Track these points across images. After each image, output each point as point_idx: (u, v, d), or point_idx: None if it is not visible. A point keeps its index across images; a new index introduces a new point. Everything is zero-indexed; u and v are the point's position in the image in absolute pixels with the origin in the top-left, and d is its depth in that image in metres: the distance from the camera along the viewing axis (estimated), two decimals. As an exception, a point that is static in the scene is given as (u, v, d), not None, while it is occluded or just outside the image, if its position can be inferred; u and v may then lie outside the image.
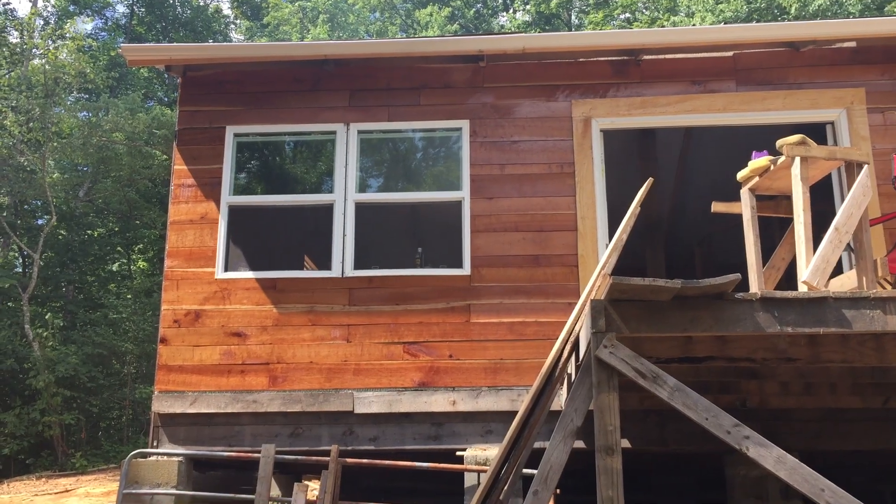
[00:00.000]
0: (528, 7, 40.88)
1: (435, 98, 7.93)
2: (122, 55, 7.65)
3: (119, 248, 23.47)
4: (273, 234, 8.27)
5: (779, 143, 4.87)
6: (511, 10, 42.51)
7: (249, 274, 7.62)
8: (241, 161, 7.99)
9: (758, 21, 22.91)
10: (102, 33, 36.11)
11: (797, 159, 4.76)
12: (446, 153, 8.03)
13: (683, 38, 7.85)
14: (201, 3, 42.52)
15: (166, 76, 26.21)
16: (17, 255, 23.19)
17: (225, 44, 10.35)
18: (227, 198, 7.77)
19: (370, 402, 7.23)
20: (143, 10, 40.27)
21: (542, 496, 3.96)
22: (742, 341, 4.58)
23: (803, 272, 4.52)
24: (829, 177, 7.23)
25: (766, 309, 3.96)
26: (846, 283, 5.00)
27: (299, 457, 6.95)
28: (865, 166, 4.75)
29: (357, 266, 7.60)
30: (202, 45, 8.89)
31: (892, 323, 3.93)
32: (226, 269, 7.64)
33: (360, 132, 7.89)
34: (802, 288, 4.49)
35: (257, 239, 7.97)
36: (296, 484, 6.81)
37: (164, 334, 7.54)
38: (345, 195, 7.71)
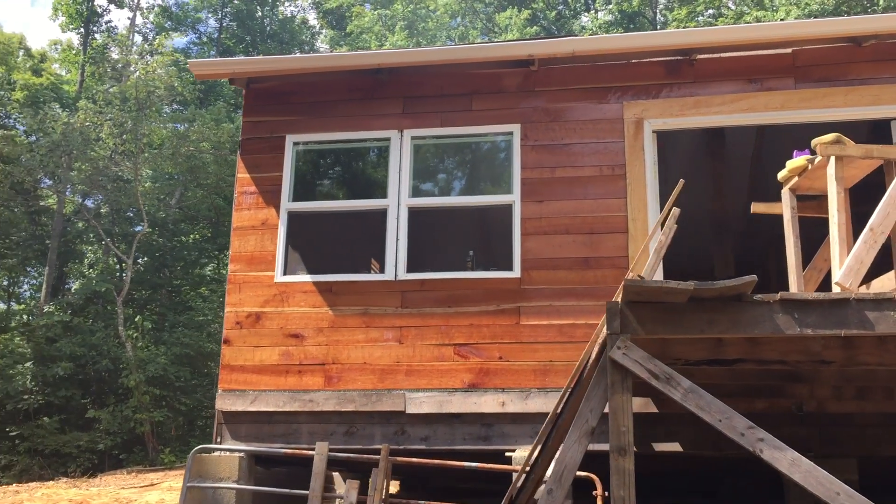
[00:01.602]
0: (610, 7, 40.47)
1: (486, 103, 8.02)
2: (190, 70, 7.99)
3: (215, 252, 24.33)
4: (330, 239, 8.51)
5: (814, 141, 4.78)
6: (593, 11, 42.16)
7: (307, 277, 7.87)
8: (299, 168, 8.25)
9: (846, 14, 22.15)
10: (196, 47, 37.52)
11: (832, 158, 4.67)
12: (498, 157, 8.11)
13: (739, 35, 7.72)
14: (288, 15, 43.73)
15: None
16: (115, 261, 24.32)
17: (283, 56, 10.72)
18: (287, 204, 8.05)
19: (421, 403, 7.37)
20: (234, 23, 41.67)
21: (555, 495, 4.01)
22: (773, 343, 4.53)
23: (836, 273, 4.44)
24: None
25: (786, 311, 3.92)
26: (887, 284, 4.86)
27: (352, 454, 7.15)
28: (903, 164, 4.63)
29: (410, 269, 7.76)
30: (263, 58, 9.22)
31: (916, 325, 3.83)
32: (284, 273, 7.91)
33: (413, 138, 8.05)
34: (836, 289, 4.41)
35: (315, 243, 8.23)
36: (347, 481, 7.01)
37: (227, 335, 7.86)
38: (398, 200, 7.87)
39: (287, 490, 7.21)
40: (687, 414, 7.08)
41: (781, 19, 25.15)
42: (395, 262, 7.75)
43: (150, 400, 17.44)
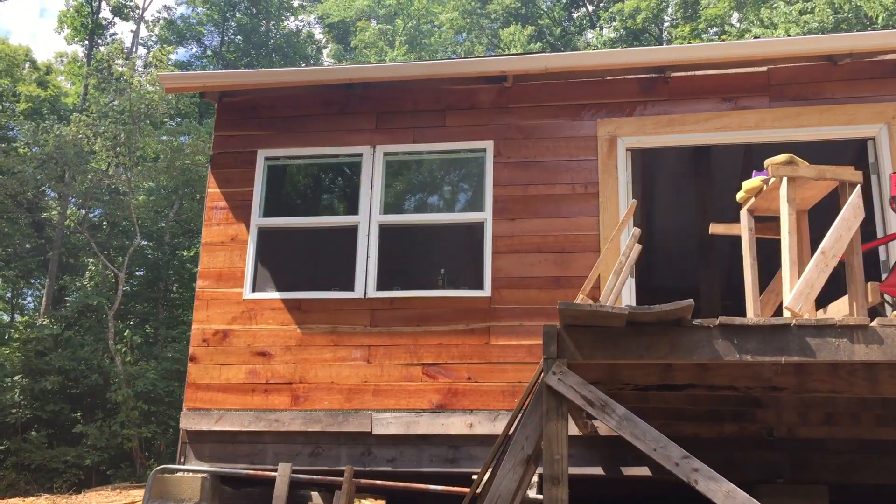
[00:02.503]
0: (615, 24, 40.55)
1: (460, 119, 7.94)
2: (160, 83, 7.92)
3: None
4: (300, 256, 8.43)
5: (766, 162, 4.67)
6: (598, 28, 42.20)
7: (275, 294, 7.77)
8: (270, 183, 8.17)
9: (846, 31, 22.03)
10: (200, 61, 37.66)
11: (784, 179, 4.56)
12: (470, 174, 8.02)
13: (713, 53, 7.62)
14: (293, 29, 43.91)
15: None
16: (112, 274, 24.32)
17: (255, 70, 10.70)
18: (257, 220, 7.96)
19: (388, 424, 7.25)
20: (239, 37, 41.85)
21: (489, 526, 3.89)
22: (723, 369, 4.40)
23: (787, 297, 4.32)
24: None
25: (726, 336, 3.80)
26: (843, 308, 4.74)
27: (315, 476, 7.03)
28: (857, 187, 4.51)
29: (380, 287, 7.66)
30: (234, 71, 9.16)
31: (859, 352, 3.70)
32: (253, 290, 7.82)
33: (385, 154, 7.97)
34: (786, 314, 4.30)
35: (285, 260, 8.14)
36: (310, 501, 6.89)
37: (193, 353, 7.76)
38: (369, 217, 7.79)
39: (248, 511, 7.10)
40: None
41: (780, 36, 25.06)
42: (366, 279, 7.65)
43: (138, 415, 17.35)
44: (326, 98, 8.18)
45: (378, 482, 6.98)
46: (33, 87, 36.27)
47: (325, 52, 43.94)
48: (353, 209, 7.94)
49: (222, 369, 7.64)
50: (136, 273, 24.21)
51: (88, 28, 38.39)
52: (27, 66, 39.24)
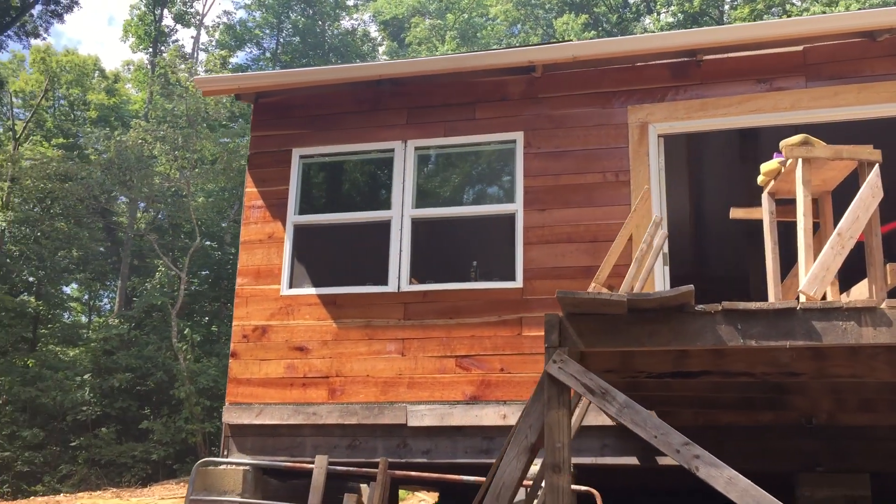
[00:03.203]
0: (672, 8, 39.88)
1: (490, 111, 7.94)
2: (197, 87, 8.11)
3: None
4: (335, 251, 8.54)
5: (781, 143, 4.57)
6: (654, 13, 41.55)
7: (311, 290, 7.89)
8: (305, 181, 8.30)
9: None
10: (258, 64, 38.33)
11: (799, 161, 4.45)
12: (501, 166, 8.01)
13: (747, 34, 7.44)
14: (349, 28, 44.31)
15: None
16: (176, 274, 24.99)
17: (287, 70, 10.82)
18: (293, 217, 8.09)
19: (423, 416, 7.30)
20: (296, 38, 42.44)
21: (495, 513, 3.91)
22: (738, 355, 4.32)
23: (802, 281, 4.22)
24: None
25: (729, 321, 3.73)
26: (866, 291, 4.60)
27: (351, 468, 7.13)
28: (876, 165, 4.37)
29: (413, 280, 7.71)
30: (266, 73, 9.31)
31: (866, 335, 3.59)
32: (290, 286, 7.96)
33: (416, 148, 8.02)
34: (802, 298, 4.20)
35: (320, 256, 8.26)
36: (346, 495, 6.98)
37: (234, 349, 7.94)
38: (402, 211, 7.84)
39: (284, 503, 7.24)
40: (689, 427, 6.90)
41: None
42: (399, 273, 7.72)
43: (201, 411, 17.80)
44: (358, 95, 8.26)
45: (413, 473, 7.03)
46: (102, 96, 37.44)
47: (381, 49, 44.30)
48: (385, 204, 8.01)
49: (262, 364, 7.80)
50: (201, 272, 24.81)
51: (151, 36, 39.41)
52: (96, 75, 40.54)
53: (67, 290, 34.39)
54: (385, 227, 7.89)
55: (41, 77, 35.66)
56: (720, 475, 3.49)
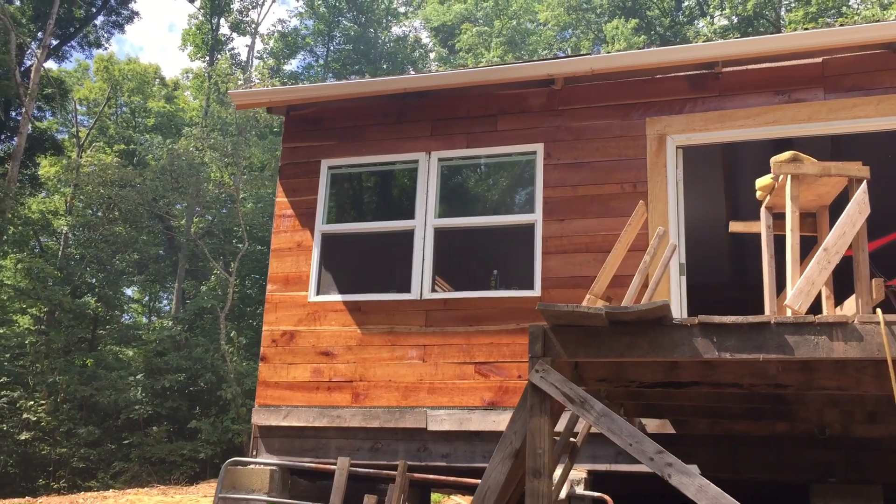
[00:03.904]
0: (725, 11, 39.49)
1: (511, 123, 8.11)
2: (231, 100, 8.46)
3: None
4: (361, 259, 8.79)
5: (772, 160, 4.66)
6: (707, 17, 41.15)
7: (337, 297, 8.16)
8: (333, 191, 8.58)
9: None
10: (309, 72, 39.05)
11: (788, 177, 4.55)
12: (522, 176, 8.18)
13: (766, 46, 7.48)
14: (400, 35, 44.80)
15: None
16: (226, 278, 25.67)
17: (316, 84, 11.10)
18: (321, 226, 8.38)
19: (442, 420, 7.50)
20: (349, 46, 43.08)
21: (479, 515, 4.10)
22: (727, 366, 4.43)
23: (789, 295, 4.32)
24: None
25: (705, 334, 3.85)
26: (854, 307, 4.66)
27: (371, 470, 7.36)
28: (864, 182, 4.44)
29: (435, 288, 7.92)
30: (296, 87, 9.61)
31: (837, 349, 3.68)
32: (318, 293, 8.23)
33: (440, 160, 8.23)
34: (788, 312, 4.31)
35: (347, 264, 8.52)
36: (366, 496, 7.22)
37: (264, 353, 8.25)
38: (425, 221, 8.06)
39: (308, 503, 7.51)
40: (705, 436, 6.99)
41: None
42: (421, 281, 7.93)
43: (246, 412, 18.27)
44: (384, 108, 8.51)
45: (431, 476, 7.23)
46: (161, 103, 38.53)
47: (432, 56, 44.72)
48: (409, 214, 8.23)
49: (290, 368, 8.09)
50: (252, 276, 25.42)
51: (209, 45, 40.41)
52: (157, 83, 41.74)
53: (129, 292, 35.56)
54: (409, 236, 8.11)
55: (104, 85, 36.87)
56: (691, 483, 3.63)
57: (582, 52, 40.67)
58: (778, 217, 5.15)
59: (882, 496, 6.32)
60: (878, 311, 3.71)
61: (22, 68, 29.17)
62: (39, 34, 31.82)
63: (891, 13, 22.34)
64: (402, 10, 46.07)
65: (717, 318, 3.86)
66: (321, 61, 43.27)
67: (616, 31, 36.27)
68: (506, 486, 4.17)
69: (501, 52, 32.70)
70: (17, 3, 31.23)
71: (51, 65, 34.84)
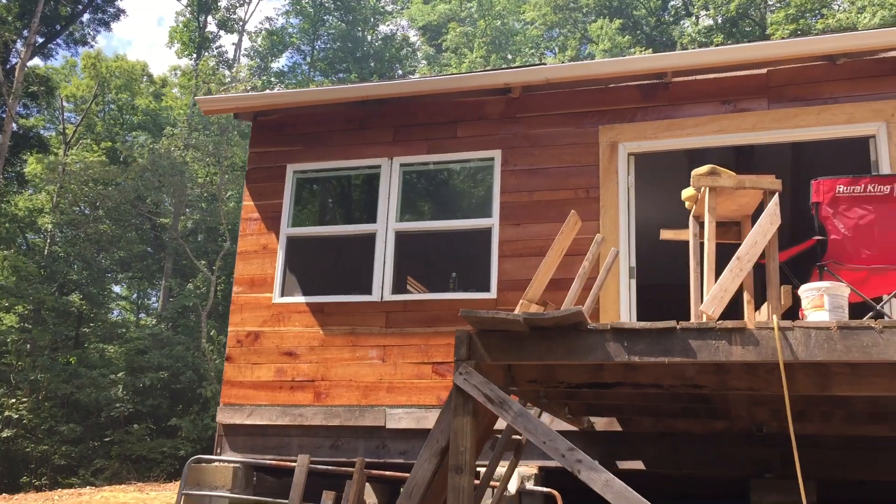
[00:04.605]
0: (709, 12, 39.82)
1: (470, 130, 8.35)
2: (199, 106, 8.68)
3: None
4: (324, 262, 9.03)
5: (692, 173, 4.91)
6: (692, 17, 41.46)
7: (301, 299, 8.39)
8: (298, 195, 8.81)
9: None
10: (294, 71, 39.22)
11: (706, 190, 4.80)
12: (480, 182, 8.42)
13: (713, 58, 7.75)
14: (387, 33, 44.97)
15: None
16: (208, 277, 25.84)
17: (280, 91, 11.34)
18: (286, 229, 8.61)
19: (400, 419, 7.75)
20: (336, 44, 43.23)
21: (406, 510, 4.35)
22: (647, 368, 4.67)
23: (703, 301, 4.58)
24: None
25: (617, 339, 4.10)
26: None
27: (330, 467, 7.61)
28: (776, 194, 4.70)
29: (395, 290, 8.16)
30: (262, 93, 9.84)
31: (735, 353, 3.93)
32: (282, 295, 8.46)
33: (402, 165, 8.47)
34: (703, 317, 4.56)
35: (310, 266, 8.75)
36: (324, 492, 7.46)
37: (229, 353, 8.48)
38: (386, 225, 8.30)
39: (270, 499, 7.76)
40: (649, 434, 7.26)
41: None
42: (382, 283, 8.17)
43: (226, 409, 18.49)
44: (348, 114, 8.74)
45: (387, 473, 7.48)
46: (149, 100, 38.60)
47: (420, 54, 44.90)
48: (371, 218, 8.47)
49: (254, 368, 8.32)
50: (231, 276, 25.56)
51: (196, 42, 40.50)
52: (145, 80, 41.77)
53: (118, 289, 35.71)
54: (370, 239, 8.35)
55: (91, 82, 36.90)
56: (598, 478, 3.88)
57: (567, 52, 40.94)
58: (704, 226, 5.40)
59: (816, 491, 6.60)
60: (775, 317, 3.97)
61: (8, 66, 29.28)
62: (25, 32, 31.90)
63: (866, 16, 22.69)
64: (388, 8, 46.24)
65: (627, 324, 4.10)
66: (308, 59, 43.43)
67: (601, 31, 36.54)
68: (431, 482, 4.42)
69: (485, 52, 32.91)
70: (4, 1, 31.30)
71: (38, 62, 34.92)
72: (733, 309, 5.59)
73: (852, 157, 8.73)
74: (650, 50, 37.79)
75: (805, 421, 6.23)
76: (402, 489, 4.38)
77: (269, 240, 8.64)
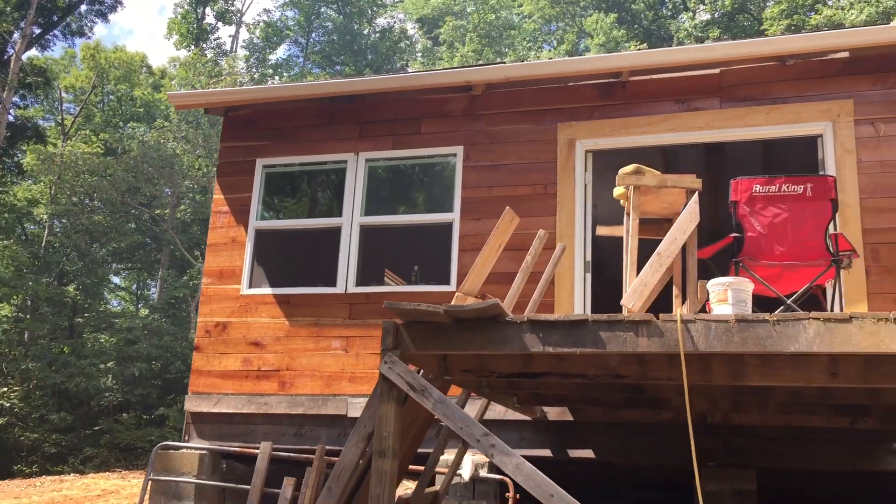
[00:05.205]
0: (704, 6, 39.91)
1: (434, 126, 8.55)
2: (170, 101, 8.89)
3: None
4: (292, 254, 9.24)
5: (619, 172, 5.11)
6: (689, 11, 41.54)
7: (268, 290, 8.61)
8: (267, 190, 9.02)
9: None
10: (291, 62, 39.40)
11: (631, 188, 5.00)
12: (443, 177, 8.62)
13: (668, 58, 7.93)
14: (385, 25, 45.12)
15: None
16: (199, 268, 26.06)
17: (250, 87, 11.54)
18: (254, 223, 8.82)
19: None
20: (334, 36, 43.38)
21: (334, 491, 4.55)
22: (574, 359, 4.86)
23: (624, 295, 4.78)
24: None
25: (533, 330, 4.29)
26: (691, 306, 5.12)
27: (291, 454, 7.84)
28: (696, 193, 4.89)
29: (359, 283, 8.38)
30: (232, 89, 10.03)
31: (641, 344, 4.12)
32: (250, 286, 8.68)
33: (367, 160, 8.67)
34: (625, 310, 4.77)
35: (278, 258, 8.96)
36: (285, 478, 7.68)
37: (198, 343, 8.70)
38: (352, 218, 8.51)
39: (233, 484, 7.99)
40: (599, 423, 7.48)
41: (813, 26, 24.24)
42: (347, 276, 8.38)
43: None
44: (316, 110, 8.94)
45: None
46: (147, 91, 38.76)
47: (418, 47, 45.04)
48: (338, 211, 8.67)
49: (222, 358, 8.54)
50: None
51: (194, 34, 40.70)
52: (144, 71, 41.94)
53: (117, 280, 35.98)
54: (336, 232, 8.56)
55: (91, 73, 37.06)
56: (510, 461, 4.08)
57: (564, 46, 41.03)
58: (644, 222, 5.61)
59: (755, 478, 6.82)
60: (679, 310, 4.17)
61: (5, 57, 29.45)
62: (22, 23, 32.07)
63: (853, 12, 22.80)
64: (387, 0, 46.35)
65: (542, 316, 4.30)
66: (307, 51, 43.59)
67: (596, 26, 36.63)
68: (358, 464, 4.64)
69: (479, 45, 33.05)
70: (0, -8, 31.44)
71: (36, 53, 35.09)
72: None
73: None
74: (645, 45, 37.92)
75: (741, 412, 6.45)
76: (330, 472, 4.60)
77: (237, 233, 8.85)
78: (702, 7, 40.64)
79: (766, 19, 34.98)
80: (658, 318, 4.17)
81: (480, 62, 32.56)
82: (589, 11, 42.20)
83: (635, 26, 43.04)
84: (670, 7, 44.37)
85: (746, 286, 4.22)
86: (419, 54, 43.44)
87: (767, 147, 10.71)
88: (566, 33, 42.47)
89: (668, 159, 10.95)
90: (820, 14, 27.67)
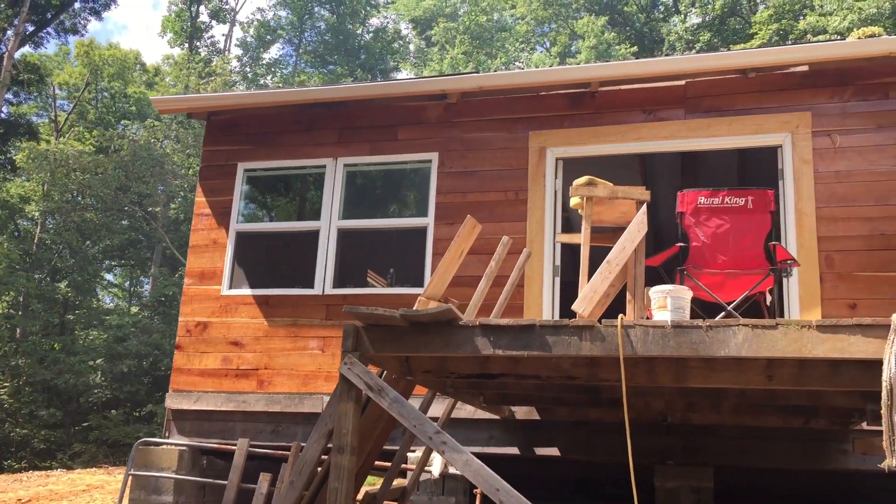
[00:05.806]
0: (694, 10, 40.24)
1: (410, 133, 8.80)
2: (153, 106, 9.13)
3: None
4: (271, 256, 9.48)
5: (574, 183, 5.37)
6: (681, 14, 41.84)
7: (248, 291, 8.85)
8: (248, 192, 9.27)
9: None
10: (280, 63, 39.61)
11: (585, 199, 5.25)
12: (418, 183, 8.87)
13: (637, 69, 8.20)
14: (379, 26, 45.33)
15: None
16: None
17: (232, 93, 11.79)
18: (235, 225, 9.06)
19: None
20: (326, 37, 43.59)
21: (296, 485, 4.81)
22: (528, 361, 5.12)
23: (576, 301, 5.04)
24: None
25: (485, 334, 4.55)
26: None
27: (268, 451, 8.09)
28: (644, 204, 5.15)
29: (336, 285, 8.63)
30: (214, 94, 10.28)
31: (585, 348, 4.38)
32: (230, 287, 8.92)
33: (345, 165, 8.92)
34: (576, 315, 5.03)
35: (258, 260, 9.20)
36: (261, 473, 7.93)
37: (179, 342, 8.94)
38: (329, 222, 8.76)
39: (211, 480, 8.24)
40: (564, 423, 7.74)
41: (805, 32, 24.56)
42: (324, 277, 8.63)
43: (202, 396, 18.99)
44: (296, 116, 9.18)
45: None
46: (140, 89, 38.91)
47: (412, 47, 45.27)
48: (316, 215, 8.92)
49: (202, 356, 8.78)
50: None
51: (188, 32, 40.84)
52: (138, 68, 42.08)
53: (111, 277, 36.16)
54: (314, 235, 8.81)
55: (84, 70, 37.18)
56: (460, 458, 4.34)
57: (556, 48, 41.31)
58: (597, 230, 5.87)
59: (712, 476, 7.09)
60: (621, 316, 4.43)
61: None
62: (16, 20, 32.23)
63: (836, 19, 23.13)
64: (381, 0, 46.56)
65: (493, 321, 4.56)
66: (300, 51, 43.79)
67: (586, 28, 36.91)
68: (318, 460, 4.89)
69: (470, 47, 33.30)
70: (-6, -10, 31.60)
71: (29, 50, 35.24)
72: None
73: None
74: (636, 47, 38.24)
75: (697, 412, 6.72)
76: (292, 468, 4.84)
77: (219, 235, 9.09)
78: (693, 10, 40.98)
79: (755, 23, 35.28)
80: (601, 324, 4.43)
81: (459, 71, 32.84)
82: (581, 14, 42.52)
83: (627, 28, 43.37)
84: (662, 10, 44.67)
85: (685, 294, 4.48)
86: (412, 55, 43.70)
87: (741, 154, 10.98)
88: (559, 35, 42.74)
89: (645, 165, 11.23)
90: (805, 20, 27.99)
